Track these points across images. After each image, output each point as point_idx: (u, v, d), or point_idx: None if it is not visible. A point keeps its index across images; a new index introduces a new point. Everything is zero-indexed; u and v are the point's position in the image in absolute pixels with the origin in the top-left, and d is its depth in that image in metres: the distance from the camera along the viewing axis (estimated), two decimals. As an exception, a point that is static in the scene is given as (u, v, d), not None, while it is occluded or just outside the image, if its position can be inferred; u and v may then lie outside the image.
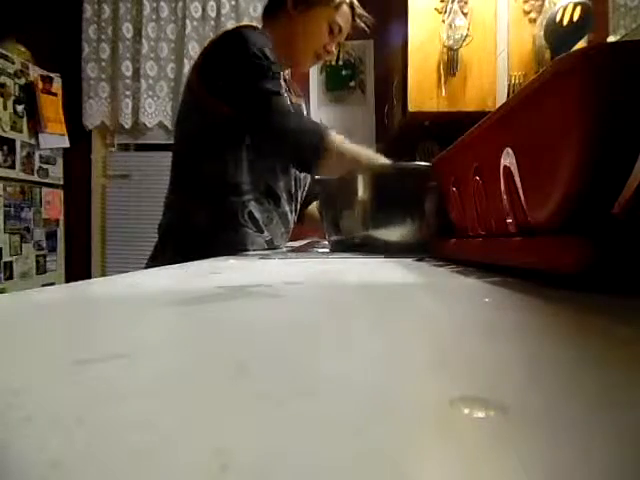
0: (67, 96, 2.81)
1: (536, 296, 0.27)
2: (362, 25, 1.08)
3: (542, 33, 1.85)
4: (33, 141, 2.67)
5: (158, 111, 2.87)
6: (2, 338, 0.18)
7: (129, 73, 2.86)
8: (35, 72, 2.67)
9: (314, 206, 1.23)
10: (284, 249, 0.99)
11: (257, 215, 1.00)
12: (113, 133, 2.98)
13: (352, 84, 2.81)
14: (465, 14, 1.96)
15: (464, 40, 1.93)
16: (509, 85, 1.97)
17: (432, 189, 0.63)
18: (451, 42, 1.94)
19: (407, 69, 2.01)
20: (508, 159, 0.35)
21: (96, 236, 3.00)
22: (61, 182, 2.92)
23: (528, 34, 1.96)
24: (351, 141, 0.93)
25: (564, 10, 1.71)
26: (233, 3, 2.79)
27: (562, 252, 0.28)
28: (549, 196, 0.30)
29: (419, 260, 0.56)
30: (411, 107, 2.01)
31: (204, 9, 2.80)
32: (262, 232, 1.02)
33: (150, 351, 0.16)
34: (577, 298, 0.25)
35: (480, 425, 0.09)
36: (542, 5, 1.93)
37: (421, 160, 1.82)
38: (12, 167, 2.53)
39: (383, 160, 0.91)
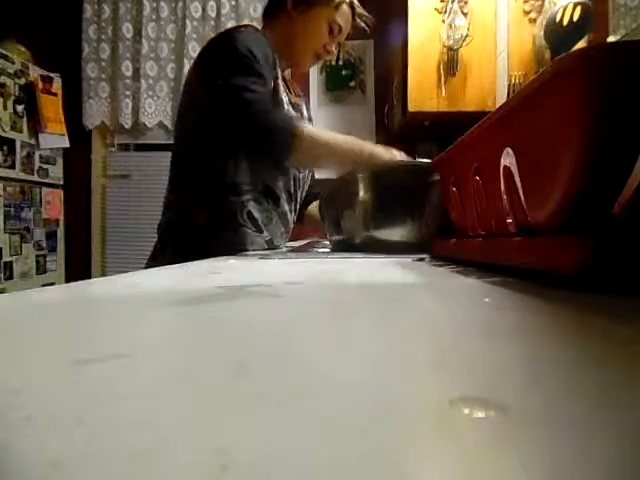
0: (67, 96, 2.81)
1: (536, 296, 0.27)
2: (362, 25, 1.08)
3: (542, 33, 1.86)
4: (33, 141, 2.67)
5: (158, 111, 2.87)
6: (2, 338, 0.18)
7: (129, 73, 2.86)
8: (35, 72, 2.67)
9: (314, 206, 1.23)
10: (284, 249, 0.99)
11: (256, 215, 1.00)
12: (113, 133, 2.99)
13: (352, 84, 2.81)
14: (465, 14, 1.96)
15: (464, 40, 1.94)
16: (509, 85, 1.97)
17: (434, 184, 0.63)
18: (451, 42, 1.95)
19: (407, 69, 2.01)
20: (508, 159, 0.35)
21: (96, 236, 3.00)
22: (61, 182, 2.92)
23: (528, 34, 1.97)
24: None
25: (564, 10, 1.71)
26: (233, 3, 2.79)
27: (562, 252, 0.28)
28: (549, 196, 0.30)
29: (419, 260, 0.56)
30: (411, 107, 2.01)
31: (204, 9, 2.80)
32: (261, 232, 1.02)
33: (150, 351, 0.16)
34: (577, 298, 0.25)
35: (480, 425, 0.09)
36: (542, 5, 1.93)
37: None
38: (12, 167, 2.53)
39: (361, 144, 0.91)
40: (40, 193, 2.76)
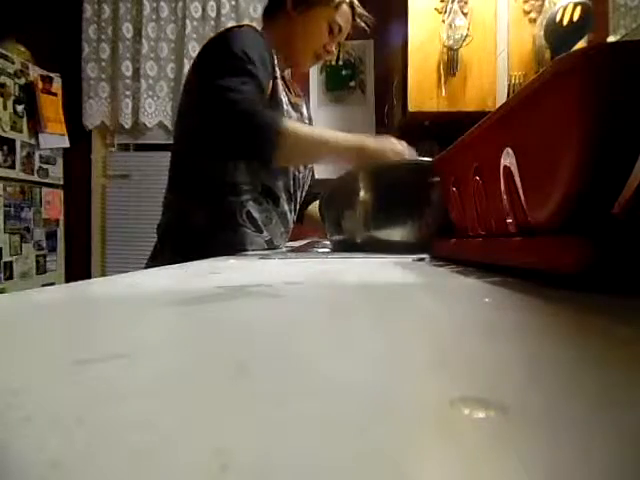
0: (67, 96, 2.81)
1: (536, 296, 0.27)
2: (362, 25, 1.08)
3: (542, 33, 1.86)
4: (33, 141, 2.67)
5: (158, 111, 2.87)
6: (2, 338, 0.18)
7: (129, 73, 2.87)
8: (35, 72, 2.67)
9: (314, 206, 1.23)
10: (284, 249, 0.99)
11: (256, 215, 1.00)
12: (113, 133, 2.99)
13: (352, 84, 2.81)
14: (465, 14, 1.96)
15: (464, 40, 1.94)
16: (509, 85, 1.97)
17: (434, 184, 0.63)
18: (451, 42, 1.95)
19: (407, 69, 2.01)
20: (508, 159, 0.35)
21: (96, 236, 3.00)
22: (61, 182, 2.92)
23: (528, 34, 1.97)
24: None
25: (564, 10, 1.71)
26: (233, 3, 2.79)
27: (562, 252, 0.28)
28: (549, 196, 0.30)
29: (419, 260, 0.56)
30: (411, 107, 2.01)
31: (204, 9, 2.80)
32: (261, 232, 1.02)
33: (150, 351, 0.16)
34: (577, 298, 0.25)
35: (480, 425, 0.09)
36: (542, 5, 1.93)
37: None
38: (12, 167, 2.53)
39: (353, 137, 0.90)
40: (40, 193, 2.76)
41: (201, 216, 0.98)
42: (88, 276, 2.85)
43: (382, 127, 2.69)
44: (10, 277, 2.52)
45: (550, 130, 0.29)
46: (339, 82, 2.81)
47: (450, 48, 1.96)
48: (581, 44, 1.70)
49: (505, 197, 0.37)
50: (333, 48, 1.07)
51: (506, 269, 0.36)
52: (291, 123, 0.88)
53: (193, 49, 2.75)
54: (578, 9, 1.68)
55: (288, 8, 1.02)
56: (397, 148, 0.89)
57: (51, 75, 2.75)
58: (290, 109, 1.03)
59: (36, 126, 2.66)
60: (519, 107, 0.33)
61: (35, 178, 2.70)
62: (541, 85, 0.30)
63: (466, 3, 1.97)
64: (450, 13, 1.94)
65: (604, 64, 0.25)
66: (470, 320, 0.21)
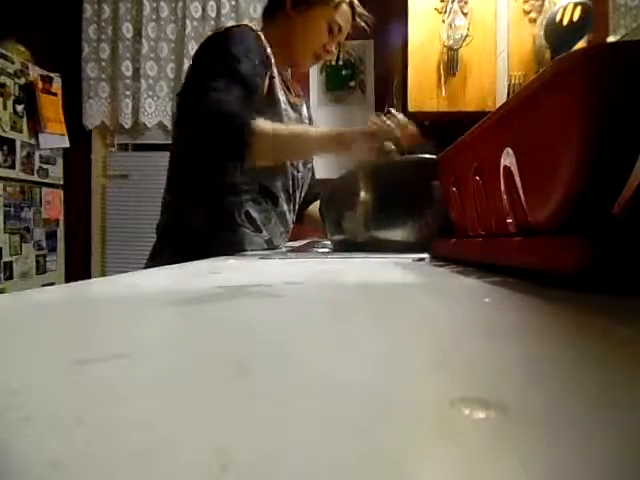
0: (67, 96, 2.81)
1: (536, 296, 0.27)
2: (362, 25, 1.08)
3: (542, 33, 1.86)
4: (33, 141, 2.67)
5: (158, 111, 2.87)
6: (2, 338, 0.18)
7: (129, 73, 2.86)
8: (35, 72, 2.67)
9: (314, 206, 1.23)
10: (284, 249, 0.99)
11: (255, 215, 1.00)
12: (113, 133, 2.98)
13: (352, 84, 2.81)
14: (465, 14, 1.96)
15: (464, 40, 1.94)
16: (509, 85, 1.97)
17: (435, 187, 0.63)
18: (451, 42, 1.95)
19: (407, 69, 2.01)
20: (508, 159, 0.35)
21: (96, 236, 3.00)
22: (61, 182, 2.92)
23: (528, 34, 1.97)
24: None
25: (564, 10, 1.71)
26: (233, 3, 2.79)
27: (562, 252, 0.28)
28: (549, 196, 0.30)
29: (419, 260, 0.56)
30: (411, 107, 2.01)
31: (204, 9, 2.80)
32: (260, 232, 1.02)
33: (150, 351, 0.16)
34: (577, 298, 0.25)
35: (480, 425, 0.09)
36: (542, 5, 1.93)
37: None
38: (12, 167, 2.53)
39: (322, 129, 0.90)
40: (40, 193, 2.76)
41: (200, 216, 0.98)
42: (88, 276, 2.85)
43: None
44: (10, 277, 2.52)
45: (550, 130, 0.29)
46: (339, 82, 2.80)
47: (450, 48, 1.96)
48: (581, 44, 1.70)
49: (505, 197, 0.37)
50: (333, 48, 1.07)
51: (506, 269, 0.36)
52: (266, 123, 0.88)
53: (193, 49, 2.75)
54: (578, 9, 1.68)
55: (287, 8, 1.02)
56: (382, 125, 0.86)
57: (51, 75, 2.75)
58: (289, 109, 1.03)
59: (36, 126, 2.66)
60: (519, 107, 0.33)
61: (35, 178, 2.70)
62: (541, 85, 0.30)
63: (466, 3, 1.98)
64: (450, 13, 1.95)
65: (604, 64, 0.25)
66: (470, 320, 0.21)
